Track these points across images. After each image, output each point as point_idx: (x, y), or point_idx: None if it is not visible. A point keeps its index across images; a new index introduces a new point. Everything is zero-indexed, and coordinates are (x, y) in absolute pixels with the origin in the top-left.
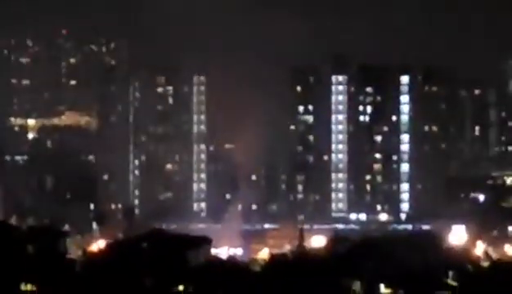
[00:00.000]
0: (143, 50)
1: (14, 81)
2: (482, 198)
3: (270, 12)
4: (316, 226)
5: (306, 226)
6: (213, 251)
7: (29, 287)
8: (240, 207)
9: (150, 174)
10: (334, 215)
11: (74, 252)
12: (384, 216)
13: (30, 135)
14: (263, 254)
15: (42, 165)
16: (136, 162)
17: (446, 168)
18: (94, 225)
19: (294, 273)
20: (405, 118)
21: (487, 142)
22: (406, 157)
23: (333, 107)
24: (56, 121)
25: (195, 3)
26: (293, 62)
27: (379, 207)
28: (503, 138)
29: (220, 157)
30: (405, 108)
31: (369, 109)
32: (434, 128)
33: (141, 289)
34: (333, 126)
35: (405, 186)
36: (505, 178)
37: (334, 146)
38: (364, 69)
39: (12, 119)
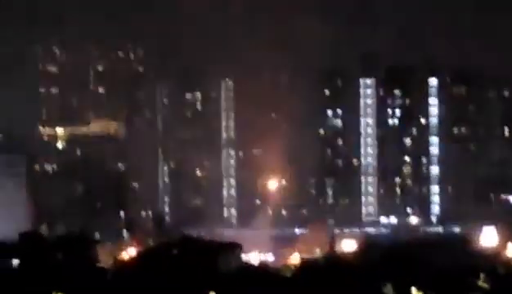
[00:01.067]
0: (171, 56)
1: (42, 89)
2: None
3: (296, 15)
4: (346, 230)
5: (336, 230)
6: (244, 256)
7: None
8: (270, 212)
9: (180, 180)
10: (364, 219)
11: (104, 260)
12: (414, 219)
13: (59, 144)
14: (294, 259)
15: (72, 173)
16: (166, 168)
17: (476, 170)
18: (124, 233)
19: (326, 278)
20: (434, 120)
21: None
22: (435, 159)
23: (361, 110)
24: (84, 129)
25: (222, 8)
26: (321, 66)
27: (409, 210)
28: None
29: (249, 162)
30: (433, 110)
31: (397, 111)
32: (463, 130)
33: None
34: (362, 130)
35: (435, 189)
36: None
37: (363, 150)
38: (392, 71)
39: (41, 128)
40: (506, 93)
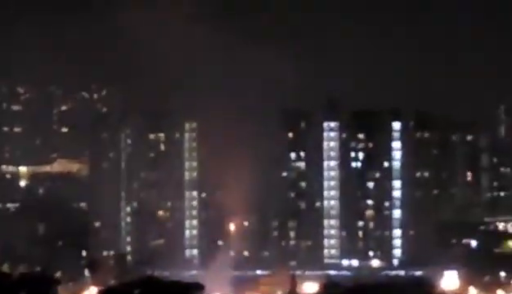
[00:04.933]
0: (134, 97)
1: (5, 128)
2: (474, 243)
3: (260, 57)
4: (308, 272)
5: (298, 272)
6: None
7: None
8: (232, 253)
9: (142, 220)
10: (326, 261)
11: None
12: (376, 262)
13: (22, 183)
14: None
15: (34, 212)
16: (128, 208)
17: (439, 214)
18: (86, 272)
19: None
20: (397, 164)
21: (479, 188)
22: (398, 203)
23: (325, 153)
24: (47, 168)
25: (187, 50)
26: (284, 108)
27: (371, 253)
28: (495, 183)
29: (212, 203)
30: (397, 154)
31: (361, 155)
32: (426, 174)
33: None
34: (325, 173)
35: (397, 232)
36: (498, 224)
37: (326, 192)
38: (356, 115)
39: (4, 167)
40: (469, 138)
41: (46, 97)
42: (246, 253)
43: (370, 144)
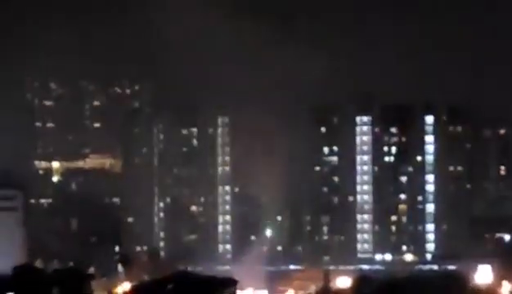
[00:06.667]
0: (167, 91)
1: (38, 124)
2: (507, 237)
3: (293, 53)
4: (341, 267)
5: (331, 267)
6: (239, 292)
7: None
8: (265, 248)
9: (175, 216)
10: (359, 256)
11: None
12: (409, 257)
13: (55, 178)
14: None
15: (67, 208)
16: (161, 204)
17: (472, 208)
18: (119, 267)
19: None
20: (430, 158)
21: (511, 182)
22: (431, 197)
23: (358, 148)
24: (80, 163)
25: (220, 46)
26: (317, 102)
27: (404, 248)
28: None
29: (245, 198)
30: (429, 148)
31: (394, 149)
32: (459, 168)
33: None
34: (358, 167)
35: (430, 226)
36: None
37: (359, 187)
38: (388, 109)
39: (37, 162)
40: (502, 131)
41: (78, 93)
42: (279, 248)
43: (403, 139)
